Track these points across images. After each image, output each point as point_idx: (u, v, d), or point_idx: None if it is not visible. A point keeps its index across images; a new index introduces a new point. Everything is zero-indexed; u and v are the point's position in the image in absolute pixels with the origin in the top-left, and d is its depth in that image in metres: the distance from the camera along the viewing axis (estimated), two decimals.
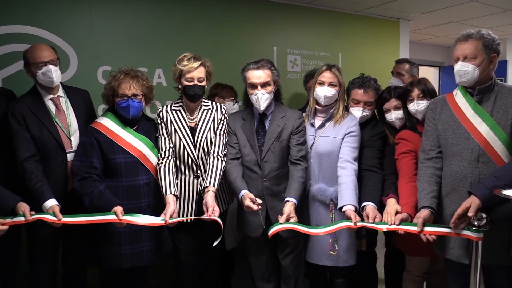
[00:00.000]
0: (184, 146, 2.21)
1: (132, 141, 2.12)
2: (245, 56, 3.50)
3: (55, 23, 2.82)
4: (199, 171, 2.26)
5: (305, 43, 3.89)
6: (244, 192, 2.17)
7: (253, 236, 2.32)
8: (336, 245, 2.21)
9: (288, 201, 2.13)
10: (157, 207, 2.13)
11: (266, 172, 2.25)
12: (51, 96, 2.22)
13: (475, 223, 1.69)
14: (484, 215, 1.69)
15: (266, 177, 2.25)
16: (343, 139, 2.24)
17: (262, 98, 2.20)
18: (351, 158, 2.21)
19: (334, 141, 2.24)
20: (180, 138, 2.22)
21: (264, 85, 2.20)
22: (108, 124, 2.11)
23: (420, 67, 3.65)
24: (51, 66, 2.13)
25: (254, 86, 2.21)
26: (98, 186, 1.99)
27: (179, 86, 2.25)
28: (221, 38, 3.43)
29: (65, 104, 2.27)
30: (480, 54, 1.85)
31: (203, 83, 2.22)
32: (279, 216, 2.08)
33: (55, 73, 2.15)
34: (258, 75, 2.21)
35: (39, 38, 2.75)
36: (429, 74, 6.48)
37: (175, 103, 2.31)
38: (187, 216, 2.25)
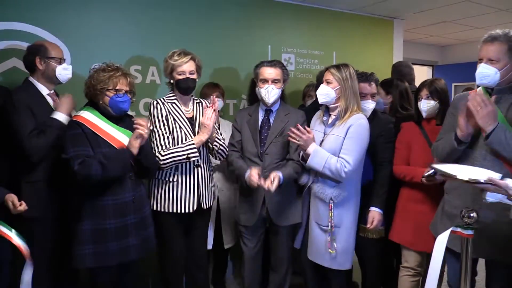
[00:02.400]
0: (185, 135, 2.29)
1: (114, 133, 2.09)
2: (239, 54, 3.52)
3: (48, 21, 2.80)
4: (199, 160, 2.30)
5: (300, 41, 3.89)
6: (249, 171, 2.34)
7: (248, 225, 2.47)
8: (334, 244, 2.25)
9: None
10: (141, 201, 2.16)
11: (267, 163, 2.41)
12: (48, 91, 2.30)
13: (466, 220, 1.71)
14: (474, 214, 1.71)
15: (267, 167, 2.40)
16: (344, 138, 2.27)
17: (271, 92, 2.40)
18: (346, 159, 2.21)
19: (337, 140, 2.27)
20: (180, 127, 2.30)
21: (274, 80, 2.41)
22: (90, 117, 2.08)
23: (414, 66, 3.68)
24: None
25: (265, 80, 2.42)
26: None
27: (171, 81, 2.34)
28: (215, 36, 3.41)
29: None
30: (504, 57, 1.84)
31: (194, 76, 2.33)
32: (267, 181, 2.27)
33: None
34: (270, 71, 2.42)
35: (33, 35, 2.72)
36: (423, 73, 6.51)
37: (167, 97, 2.37)
38: (189, 205, 2.30)
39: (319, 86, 2.80)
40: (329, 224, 2.25)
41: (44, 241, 2.22)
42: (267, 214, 2.44)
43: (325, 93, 2.29)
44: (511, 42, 1.84)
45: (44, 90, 2.29)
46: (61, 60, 2.32)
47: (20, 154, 2.13)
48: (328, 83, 2.30)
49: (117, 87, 2.07)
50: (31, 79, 2.29)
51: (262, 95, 2.43)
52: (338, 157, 2.22)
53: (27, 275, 1.82)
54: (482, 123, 1.79)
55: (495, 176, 1.54)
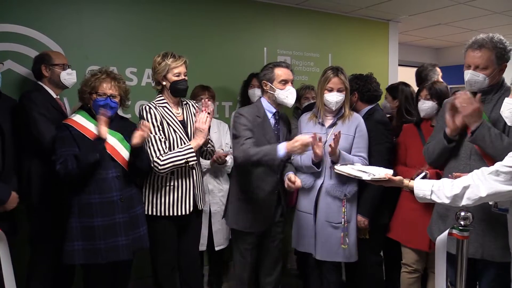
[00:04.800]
0: (180, 138, 2.28)
1: None
2: (235, 56, 3.52)
3: (44, 23, 2.79)
4: (194, 162, 2.30)
5: (295, 43, 3.90)
6: (283, 146, 2.13)
7: (260, 230, 2.41)
8: (347, 239, 2.34)
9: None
10: (130, 201, 2.16)
11: (281, 166, 2.41)
12: (56, 96, 2.45)
13: (461, 222, 1.71)
14: (469, 215, 1.71)
15: (282, 170, 2.42)
16: (354, 136, 2.38)
17: (294, 93, 2.34)
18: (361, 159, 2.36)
19: (347, 138, 2.37)
20: (175, 131, 2.29)
21: (292, 82, 2.37)
22: (80, 120, 2.13)
23: (409, 68, 3.71)
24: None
25: (286, 82, 2.33)
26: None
27: (164, 83, 2.30)
28: (212, 38, 3.42)
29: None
30: (491, 64, 1.85)
31: (186, 78, 2.33)
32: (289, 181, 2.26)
33: None
34: (289, 73, 2.36)
35: (28, 38, 2.73)
36: None
37: (157, 101, 2.34)
38: (185, 207, 2.29)
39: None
40: (342, 220, 2.33)
41: (49, 232, 2.29)
42: (282, 211, 2.47)
43: (340, 100, 2.36)
44: (497, 48, 1.84)
45: (54, 95, 2.44)
46: (64, 66, 2.44)
47: (34, 146, 2.24)
48: (341, 91, 2.35)
49: (99, 90, 2.10)
50: (41, 83, 2.41)
51: (282, 97, 2.31)
52: (354, 155, 2.35)
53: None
54: (467, 120, 1.85)
55: (390, 172, 1.82)
